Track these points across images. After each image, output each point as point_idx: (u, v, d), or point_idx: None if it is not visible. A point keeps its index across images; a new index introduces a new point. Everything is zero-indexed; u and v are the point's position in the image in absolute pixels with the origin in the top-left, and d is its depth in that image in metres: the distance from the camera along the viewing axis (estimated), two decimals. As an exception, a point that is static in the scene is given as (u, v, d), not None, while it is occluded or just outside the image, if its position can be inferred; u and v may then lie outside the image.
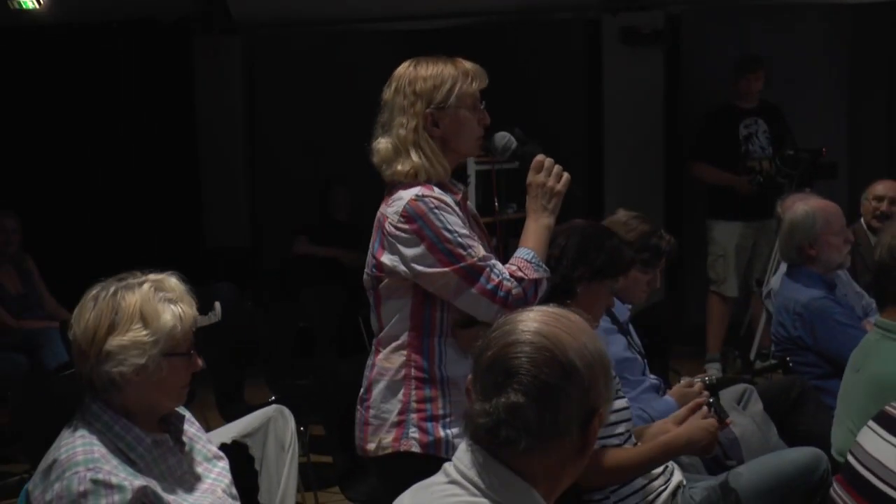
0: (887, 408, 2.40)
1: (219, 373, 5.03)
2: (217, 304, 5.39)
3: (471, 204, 3.06)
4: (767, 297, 5.30)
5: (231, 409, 4.74)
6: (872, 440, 2.39)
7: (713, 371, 6.76)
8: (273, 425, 3.62)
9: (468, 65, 2.89)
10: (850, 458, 2.46)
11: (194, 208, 8.65)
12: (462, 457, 1.80)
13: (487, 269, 2.74)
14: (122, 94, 8.51)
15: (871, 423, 2.42)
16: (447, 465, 1.83)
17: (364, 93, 2.94)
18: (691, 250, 7.60)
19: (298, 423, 3.78)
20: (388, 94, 2.89)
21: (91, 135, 8.50)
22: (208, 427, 4.04)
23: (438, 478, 1.82)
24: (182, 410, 2.69)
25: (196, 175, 8.64)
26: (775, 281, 5.02)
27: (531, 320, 1.80)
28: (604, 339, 3.63)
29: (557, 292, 3.06)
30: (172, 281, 2.57)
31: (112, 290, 2.49)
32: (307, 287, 6.73)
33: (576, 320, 1.83)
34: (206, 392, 4.77)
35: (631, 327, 3.92)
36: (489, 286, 2.73)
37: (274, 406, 3.72)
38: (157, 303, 2.48)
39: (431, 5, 8.15)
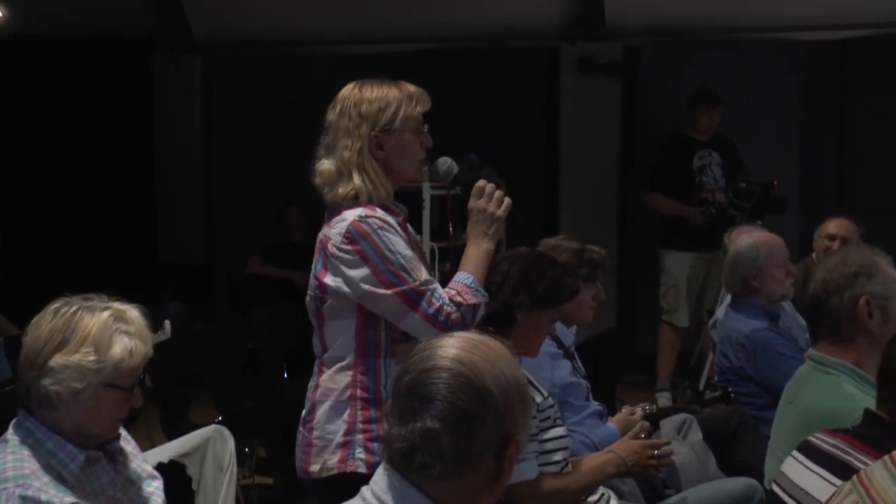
0: (811, 438, 2.44)
1: (165, 391, 5.00)
2: (167, 323, 5.38)
3: (410, 227, 3.07)
4: (713, 328, 5.35)
5: (175, 428, 4.70)
6: (796, 470, 2.42)
7: (663, 400, 6.79)
8: (212, 445, 3.59)
9: (412, 88, 2.91)
10: (775, 488, 2.49)
11: (150, 225, 8.62)
12: (378, 480, 1.81)
13: (429, 293, 2.76)
14: (80, 108, 8.46)
15: (795, 452, 2.45)
16: (364, 489, 1.84)
17: (322, 114, 2.95)
18: (643, 279, 7.64)
19: (243, 444, 3.75)
20: (332, 115, 2.90)
21: (48, 148, 8.45)
22: (152, 445, 4.03)
23: (355, 501, 1.83)
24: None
25: (152, 191, 8.61)
26: (720, 311, 5.08)
27: (450, 346, 1.82)
28: (549, 364, 3.69)
29: (497, 318, 3.09)
30: (134, 314, 2.55)
31: (74, 308, 2.48)
32: (259, 307, 6.71)
33: (495, 347, 1.84)
34: (151, 410, 4.74)
35: (576, 352, 3.95)
36: (430, 311, 2.75)
37: (213, 426, 3.71)
38: (113, 333, 2.47)
39: (392, 30, 8.19)
